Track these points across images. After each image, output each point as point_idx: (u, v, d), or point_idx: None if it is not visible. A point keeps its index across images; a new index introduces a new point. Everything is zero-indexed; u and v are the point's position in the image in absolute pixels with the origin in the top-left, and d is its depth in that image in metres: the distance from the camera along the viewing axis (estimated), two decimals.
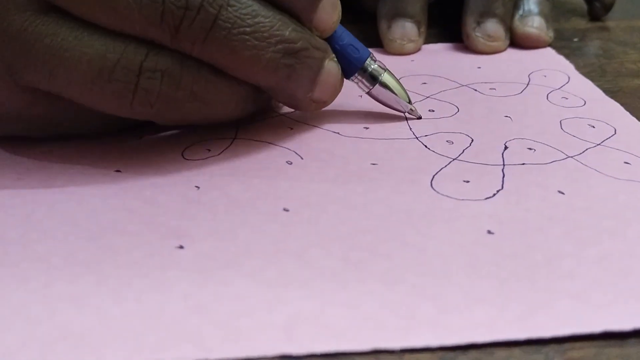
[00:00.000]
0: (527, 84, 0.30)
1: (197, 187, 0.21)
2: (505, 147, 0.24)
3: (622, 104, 0.27)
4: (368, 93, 0.25)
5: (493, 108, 0.27)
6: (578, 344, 0.15)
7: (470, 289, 0.17)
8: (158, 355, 0.14)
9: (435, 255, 0.18)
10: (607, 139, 0.24)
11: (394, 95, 0.25)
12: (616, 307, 0.16)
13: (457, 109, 0.27)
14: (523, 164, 0.23)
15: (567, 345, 0.15)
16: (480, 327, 0.15)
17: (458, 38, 0.35)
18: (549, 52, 0.34)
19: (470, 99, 0.28)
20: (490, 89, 0.29)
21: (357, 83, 0.25)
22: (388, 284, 0.17)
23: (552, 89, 0.29)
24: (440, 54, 0.34)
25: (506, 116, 0.26)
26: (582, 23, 0.39)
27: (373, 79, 0.24)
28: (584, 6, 0.40)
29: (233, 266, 0.17)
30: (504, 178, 0.22)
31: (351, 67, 0.24)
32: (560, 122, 0.26)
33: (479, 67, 0.32)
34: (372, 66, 0.24)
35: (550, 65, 0.32)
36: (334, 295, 0.16)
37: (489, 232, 0.19)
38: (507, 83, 0.30)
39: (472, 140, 0.25)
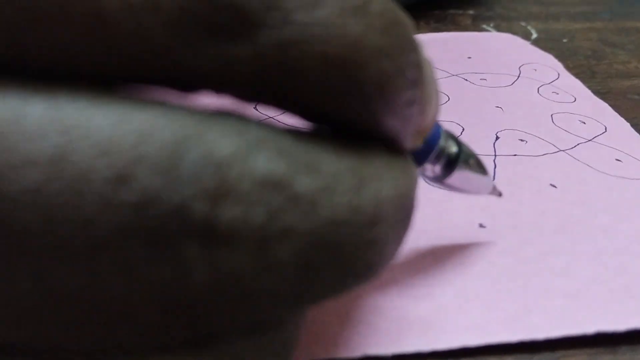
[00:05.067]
0: (518, 77, 0.27)
1: None
2: (497, 138, 0.22)
3: (611, 106, 0.25)
4: (441, 182, 0.14)
5: (484, 98, 0.25)
6: (571, 351, 0.14)
7: (463, 288, 0.15)
8: None
9: (427, 252, 0.16)
10: (597, 135, 0.22)
11: (478, 177, 0.15)
12: (609, 307, 0.14)
13: (447, 98, 0.25)
14: (515, 155, 0.21)
15: (559, 353, 0.13)
16: (472, 330, 0.13)
17: (448, 28, 0.32)
18: (537, 49, 0.31)
19: (461, 89, 0.26)
20: (480, 79, 0.27)
21: (421, 172, 0.14)
22: (379, 287, 0.15)
23: (542, 83, 0.27)
24: (430, 44, 0.31)
25: (497, 107, 0.24)
26: (571, 24, 0.37)
27: (450, 162, 0.14)
28: (574, 7, 0.38)
29: None
30: (496, 169, 0.20)
31: (422, 152, 0.13)
32: (552, 116, 0.24)
33: (469, 57, 0.29)
34: (450, 146, 0.14)
35: (540, 60, 0.30)
36: (324, 302, 0.14)
37: (481, 225, 0.17)
38: (497, 74, 0.27)
39: (463, 129, 0.22)
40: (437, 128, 0.13)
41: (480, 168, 0.15)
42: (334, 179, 0.08)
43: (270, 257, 0.07)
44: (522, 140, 0.22)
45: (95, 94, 0.07)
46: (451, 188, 0.15)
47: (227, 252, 0.07)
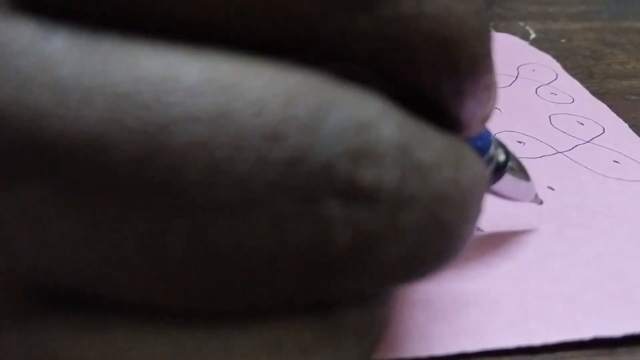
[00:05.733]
0: (516, 77, 0.27)
1: None
2: None
3: (609, 106, 0.25)
4: (489, 190, 0.15)
5: None
6: (569, 353, 0.14)
7: (460, 293, 0.15)
8: None
9: None
10: (596, 137, 0.22)
11: (523, 184, 0.15)
12: (607, 311, 0.14)
13: None
14: None
15: (558, 354, 0.13)
16: (470, 336, 0.13)
17: None
18: (535, 49, 0.31)
19: None
20: None
21: None
22: None
23: (540, 84, 0.27)
24: None
25: (495, 108, 0.24)
26: (570, 24, 0.37)
27: (498, 169, 0.14)
28: (572, 7, 0.38)
29: None
30: None
31: None
32: (550, 117, 0.24)
33: None
34: (499, 154, 0.14)
35: (539, 60, 0.30)
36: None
37: (478, 228, 0.17)
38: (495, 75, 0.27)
39: None
40: (488, 136, 0.14)
41: (525, 176, 0.15)
42: (441, 154, 0.08)
43: (399, 222, 0.08)
44: (520, 142, 0.22)
45: (240, 56, 0.07)
46: (497, 194, 0.15)
47: (365, 213, 0.07)
